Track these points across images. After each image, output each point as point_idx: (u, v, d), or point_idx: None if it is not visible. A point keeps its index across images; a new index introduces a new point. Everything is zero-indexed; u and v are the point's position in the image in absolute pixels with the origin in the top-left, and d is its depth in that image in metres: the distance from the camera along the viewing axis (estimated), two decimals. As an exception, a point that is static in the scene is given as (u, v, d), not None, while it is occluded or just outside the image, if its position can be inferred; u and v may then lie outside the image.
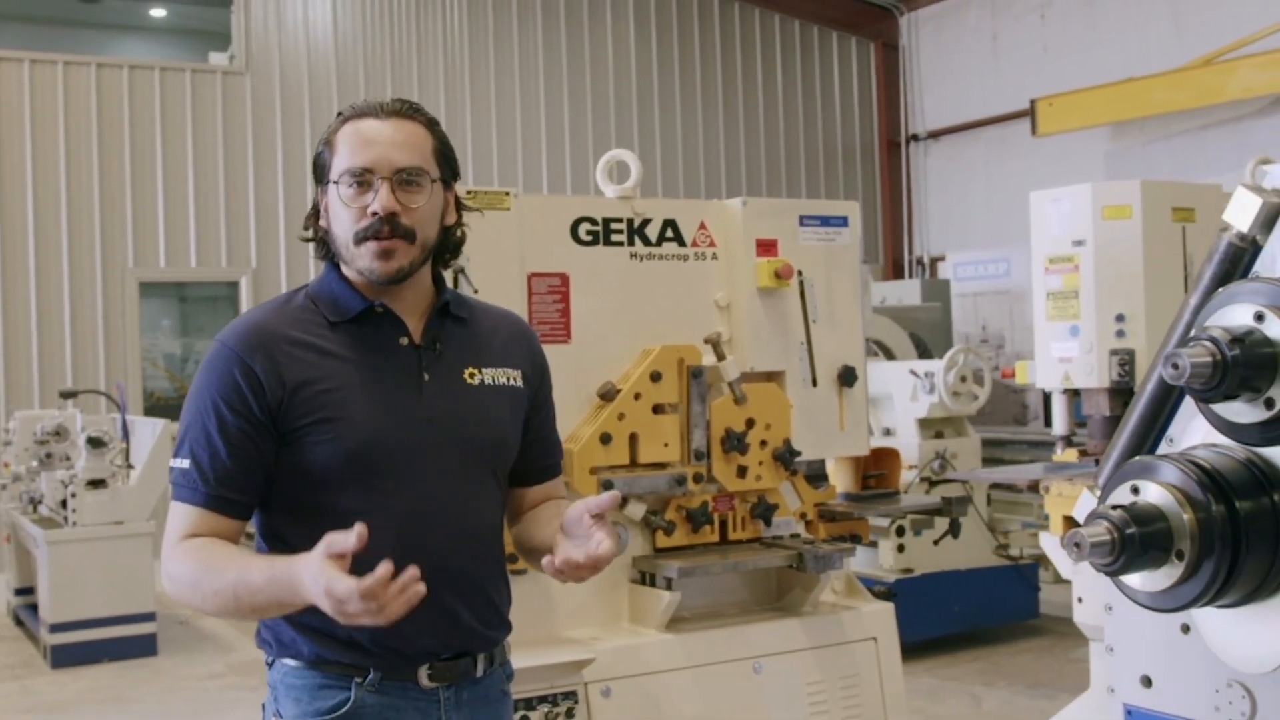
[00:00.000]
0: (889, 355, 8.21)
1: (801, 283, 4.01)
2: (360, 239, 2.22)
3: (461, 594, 2.28)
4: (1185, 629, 2.94)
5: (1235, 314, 2.59)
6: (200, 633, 8.93)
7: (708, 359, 3.88)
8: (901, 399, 7.58)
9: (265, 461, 2.22)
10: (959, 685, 6.91)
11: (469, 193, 3.74)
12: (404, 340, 2.30)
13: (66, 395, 9.24)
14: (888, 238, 15.16)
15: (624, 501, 3.72)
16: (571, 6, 13.40)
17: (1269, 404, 2.53)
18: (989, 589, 7.53)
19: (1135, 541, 2.62)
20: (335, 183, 2.24)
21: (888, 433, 7.75)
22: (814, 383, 4.04)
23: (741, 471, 3.92)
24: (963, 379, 7.45)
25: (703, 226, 3.97)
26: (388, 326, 2.29)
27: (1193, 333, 2.58)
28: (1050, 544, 4.72)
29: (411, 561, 1.99)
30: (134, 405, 10.96)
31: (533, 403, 2.45)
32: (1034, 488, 4.91)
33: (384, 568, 1.90)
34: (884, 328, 8.34)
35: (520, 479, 2.49)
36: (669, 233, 3.93)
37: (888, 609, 4.06)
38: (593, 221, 3.85)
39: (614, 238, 3.88)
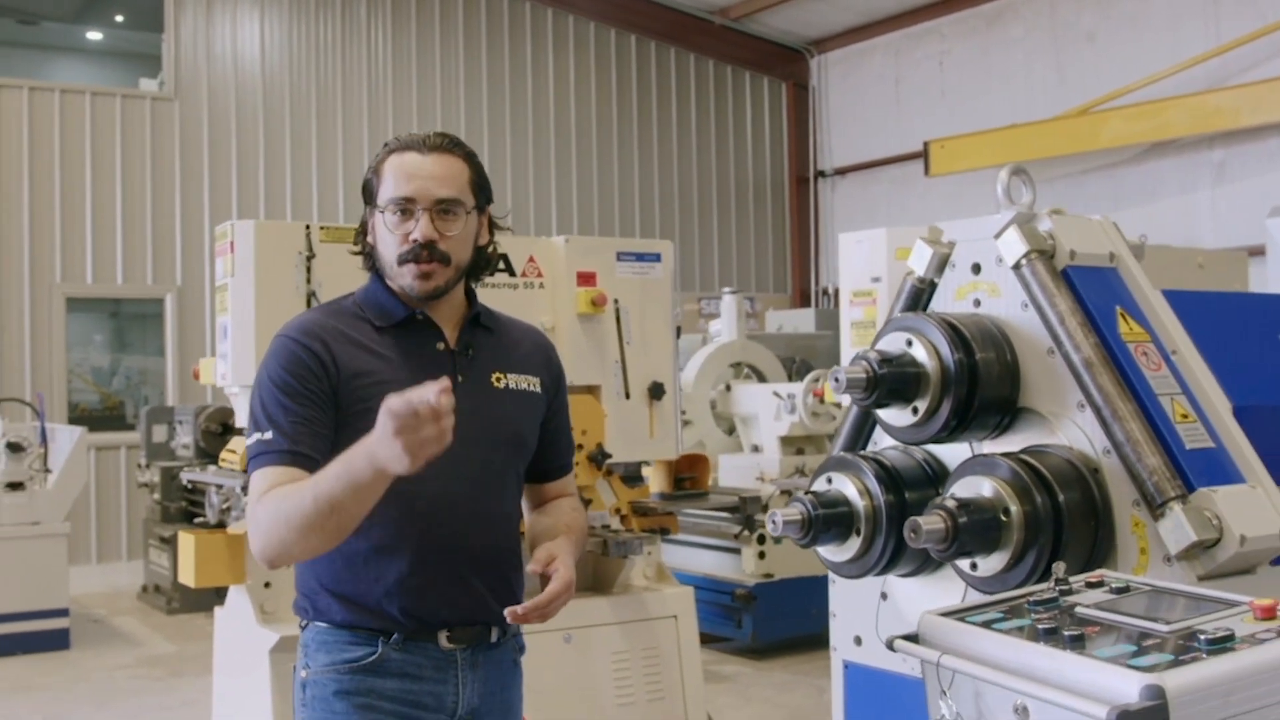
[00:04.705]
0: (761, 378, 8.82)
1: (617, 310, 4.63)
2: (402, 261, 2.50)
3: (479, 571, 2.54)
4: (884, 596, 3.61)
5: (894, 340, 3.29)
6: (113, 629, 9.41)
7: (532, 373, 4.48)
8: (766, 418, 8.21)
9: (330, 429, 2.44)
10: (807, 679, 7.51)
11: (322, 228, 4.36)
12: (441, 345, 2.58)
13: (-13, 402, 9.72)
14: (796, 269, 15.80)
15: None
16: (493, 44, 13.91)
17: (914, 411, 3.20)
18: (843, 594, 8.07)
19: (820, 521, 3.32)
20: (381, 210, 2.53)
21: (755, 449, 8.37)
22: (627, 395, 4.66)
23: (560, 471, 4.51)
24: (821, 400, 8.08)
25: (531, 260, 4.59)
26: (427, 332, 2.58)
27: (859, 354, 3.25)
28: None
29: (435, 540, 2.38)
30: (59, 415, 11.37)
31: (549, 408, 2.73)
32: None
33: (439, 384, 2.09)
34: (757, 353, 8.95)
35: (537, 476, 2.77)
36: (501, 265, 4.53)
37: (687, 592, 4.68)
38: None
39: (452, 268, 4.46)
